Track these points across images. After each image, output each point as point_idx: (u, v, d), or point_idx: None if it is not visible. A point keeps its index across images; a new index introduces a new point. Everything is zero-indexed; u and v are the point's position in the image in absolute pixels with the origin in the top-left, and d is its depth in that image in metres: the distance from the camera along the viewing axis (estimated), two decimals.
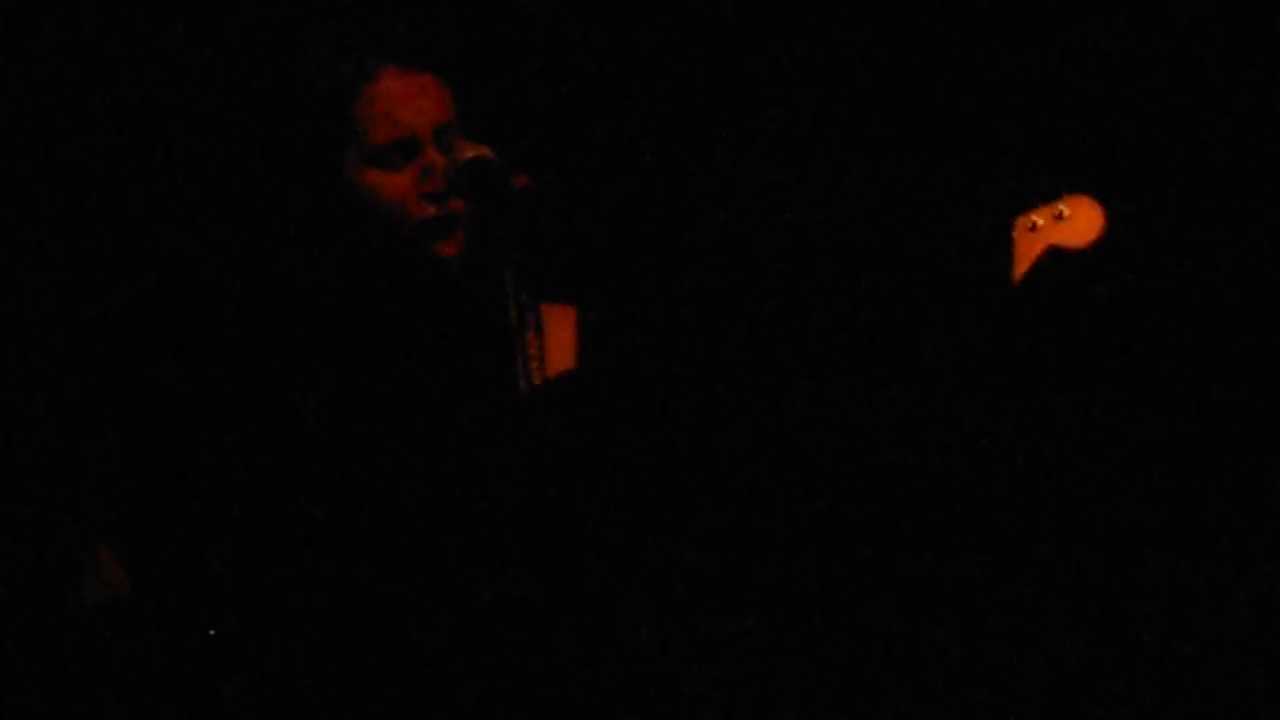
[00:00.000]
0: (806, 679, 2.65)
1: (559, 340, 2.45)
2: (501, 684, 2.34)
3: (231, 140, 2.98)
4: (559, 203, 2.64)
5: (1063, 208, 2.47)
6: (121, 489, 2.52)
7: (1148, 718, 2.86)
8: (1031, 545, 2.98)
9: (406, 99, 2.39)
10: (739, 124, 3.16)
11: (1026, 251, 2.45)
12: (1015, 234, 2.46)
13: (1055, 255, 2.46)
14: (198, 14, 3.09)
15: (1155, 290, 3.02)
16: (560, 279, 2.52)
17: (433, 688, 2.34)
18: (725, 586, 2.55)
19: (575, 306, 2.51)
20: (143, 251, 3.02)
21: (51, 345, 2.99)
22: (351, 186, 2.39)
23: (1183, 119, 3.13)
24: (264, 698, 2.40)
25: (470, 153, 2.32)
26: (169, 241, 2.98)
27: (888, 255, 2.58)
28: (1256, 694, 2.93)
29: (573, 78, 3.15)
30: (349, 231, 2.41)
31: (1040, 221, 2.47)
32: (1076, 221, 2.46)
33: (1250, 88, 3.12)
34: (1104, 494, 3.01)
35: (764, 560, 2.62)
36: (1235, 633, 2.96)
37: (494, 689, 2.34)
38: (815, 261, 2.99)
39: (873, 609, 2.79)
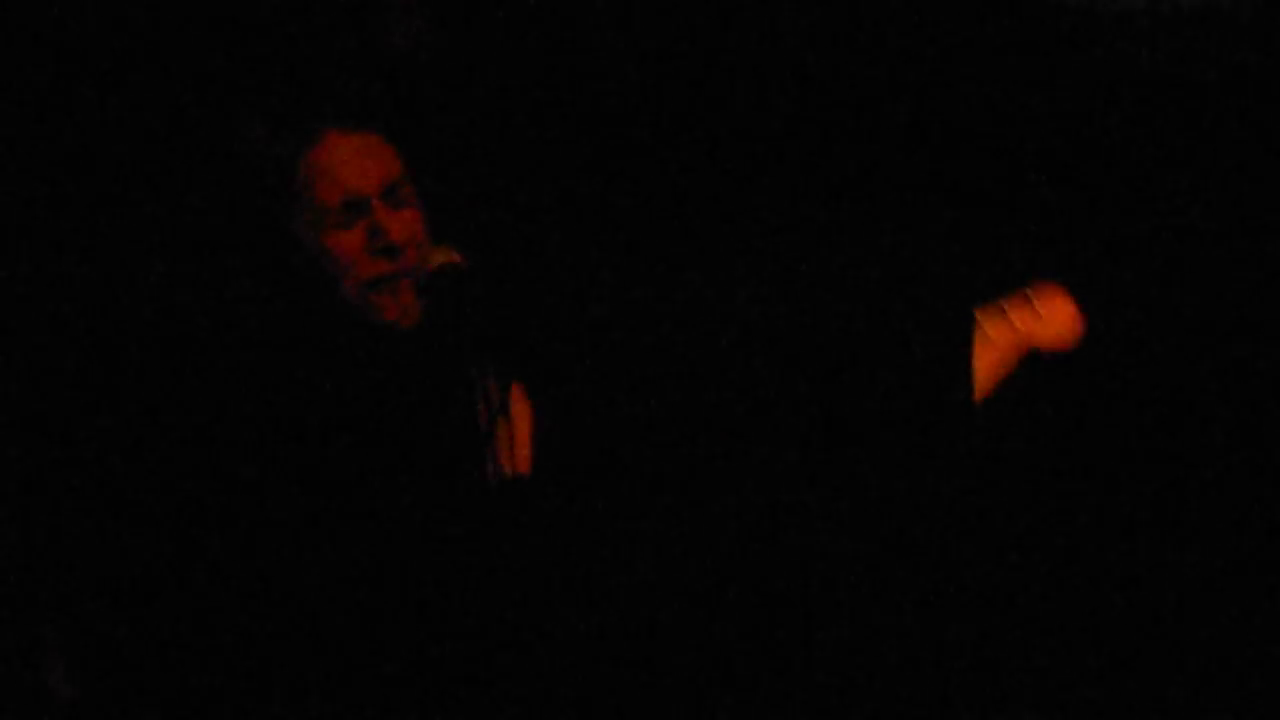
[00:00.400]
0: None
1: (522, 421, 2.45)
2: None
3: (178, 204, 2.98)
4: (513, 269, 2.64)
5: (1032, 299, 2.40)
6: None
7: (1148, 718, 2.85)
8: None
9: (351, 161, 2.39)
10: (691, 206, 3.18)
11: (993, 355, 2.39)
12: (978, 332, 2.39)
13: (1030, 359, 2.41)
14: (143, 75, 3.09)
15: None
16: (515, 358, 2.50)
17: None
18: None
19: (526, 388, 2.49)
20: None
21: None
22: (302, 248, 2.40)
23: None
24: None
25: (439, 258, 2.35)
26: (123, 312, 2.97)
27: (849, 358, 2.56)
28: (1257, 694, 2.94)
29: (516, 130, 3.17)
30: (299, 299, 2.42)
31: (1009, 314, 2.41)
32: (1052, 318, 2.39)
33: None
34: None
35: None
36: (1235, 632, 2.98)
37: None
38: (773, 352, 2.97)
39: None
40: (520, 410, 2.44)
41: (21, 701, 2.93)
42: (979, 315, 2.42)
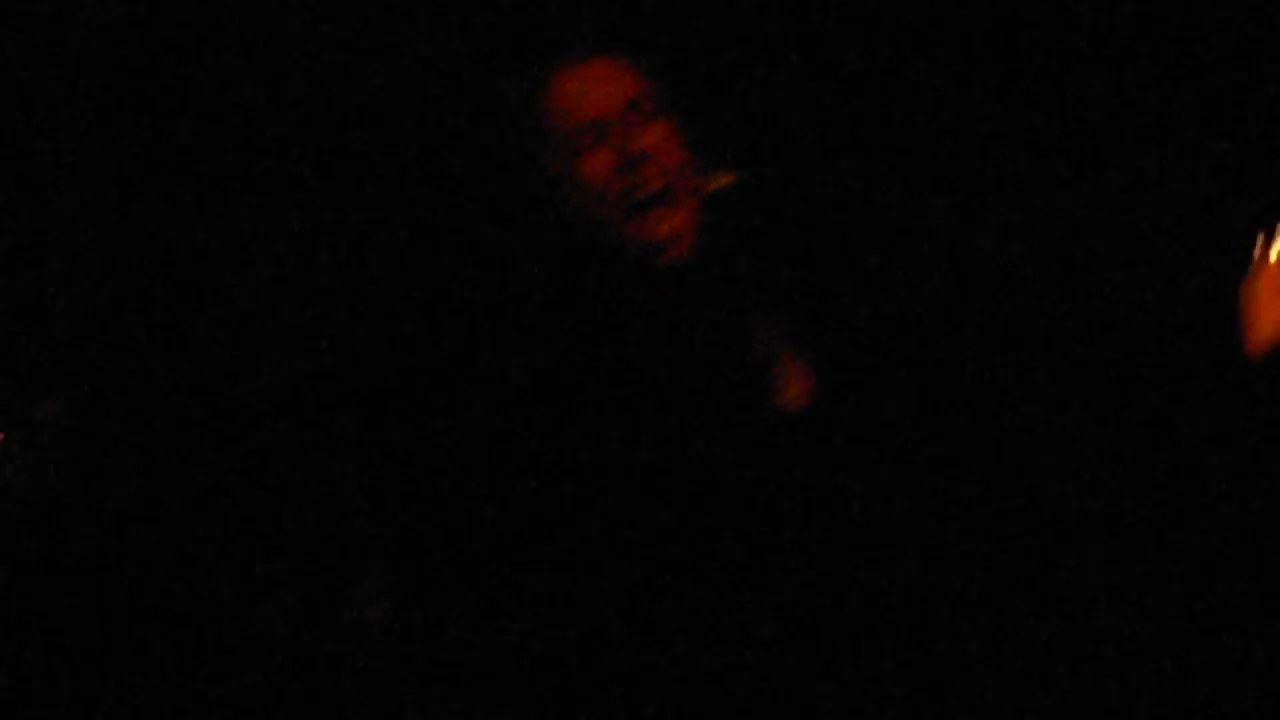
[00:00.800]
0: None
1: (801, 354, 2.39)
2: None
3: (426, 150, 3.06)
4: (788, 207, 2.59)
5: None
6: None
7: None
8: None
9: (589, 86, 2.36)
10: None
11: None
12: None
13: None
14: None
15: None
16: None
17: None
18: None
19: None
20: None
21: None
22: (556, 183, 2.37)
23: None
24: None
25: (715, 182, 2.33)
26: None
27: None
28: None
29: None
30: (554, 230, 2.39)
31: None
32: None
33: None
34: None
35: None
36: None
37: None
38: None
39: None
40: (800, 341, 2.38)
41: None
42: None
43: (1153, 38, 3.13)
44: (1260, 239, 2.36)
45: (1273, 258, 2.35)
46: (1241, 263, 2.36)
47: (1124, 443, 2.52)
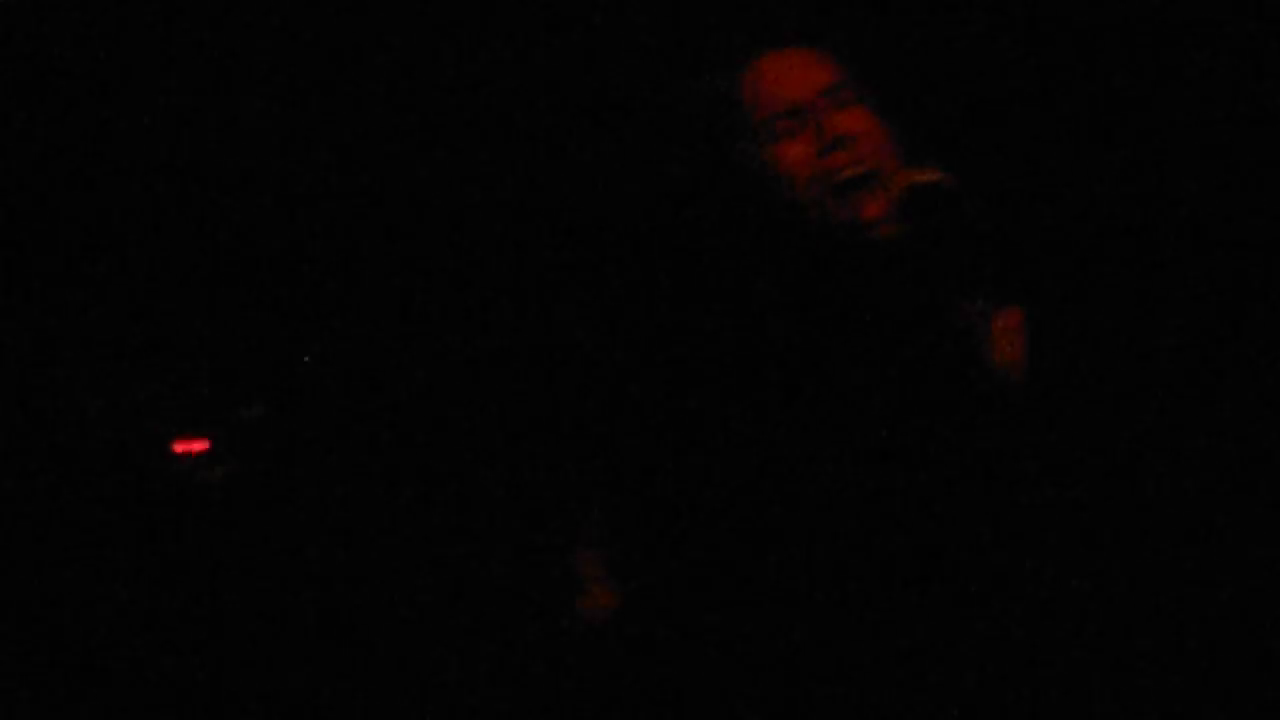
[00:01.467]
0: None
1: (1007, 341, 2.36)
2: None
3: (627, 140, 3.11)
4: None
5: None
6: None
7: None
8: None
9: (787, 72, 2.37)
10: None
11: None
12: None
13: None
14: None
15: None
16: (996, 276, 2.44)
17: None
18: None
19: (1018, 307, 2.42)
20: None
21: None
22: (757, 170, 2.37)
23: None
24: None
25: (919, 177, 2.29)
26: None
27: None
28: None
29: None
30: (767, 214, 2.39)
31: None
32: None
33: None
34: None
35: None
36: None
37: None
38: None
39: None
40: (1010, 324, 2.36)
41: None
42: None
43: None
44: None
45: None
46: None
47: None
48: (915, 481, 2.25)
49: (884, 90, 2.39)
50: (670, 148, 2.55)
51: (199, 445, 3.30)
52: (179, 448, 3.28)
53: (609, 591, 2.44)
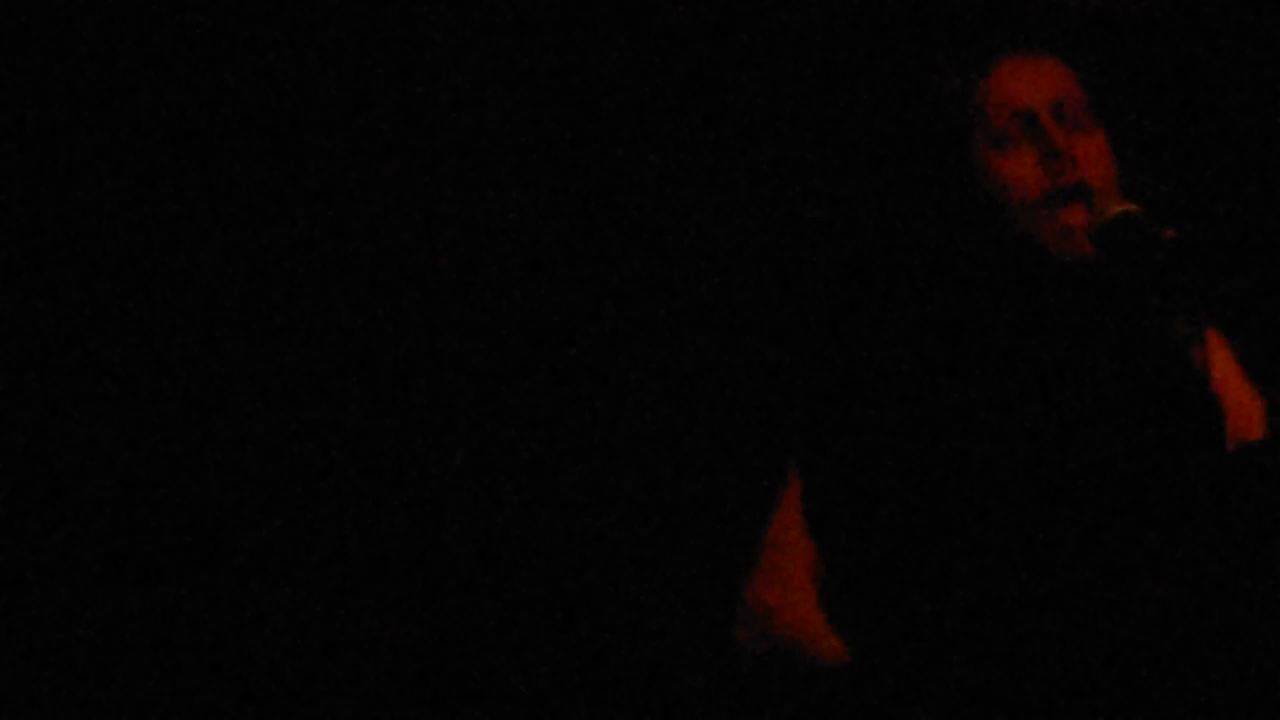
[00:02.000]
0: None
1: (1222, 364, 2.39)
2: None
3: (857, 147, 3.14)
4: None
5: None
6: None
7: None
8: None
9: (1021, 79, 2.38)
10: None
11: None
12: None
13: None
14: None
15: None
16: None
17: None
18: None
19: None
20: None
21: None
22: (976, 176, 2.36)
23: None
24: None
25: (1116, 209, 2.28)
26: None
27: None
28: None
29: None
30: (979, 222, 2.38)
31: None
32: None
33: None
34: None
35: None
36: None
37: None
38: None
39: None
40: (1227, 368, 2.39)
41: None
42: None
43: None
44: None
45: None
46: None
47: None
48: (1123, 502, 2.22)
49: (1118, 115, 2.41)
50: (896, 147, 2.52)
51: None
52: None
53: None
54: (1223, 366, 2.39)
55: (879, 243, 2.57)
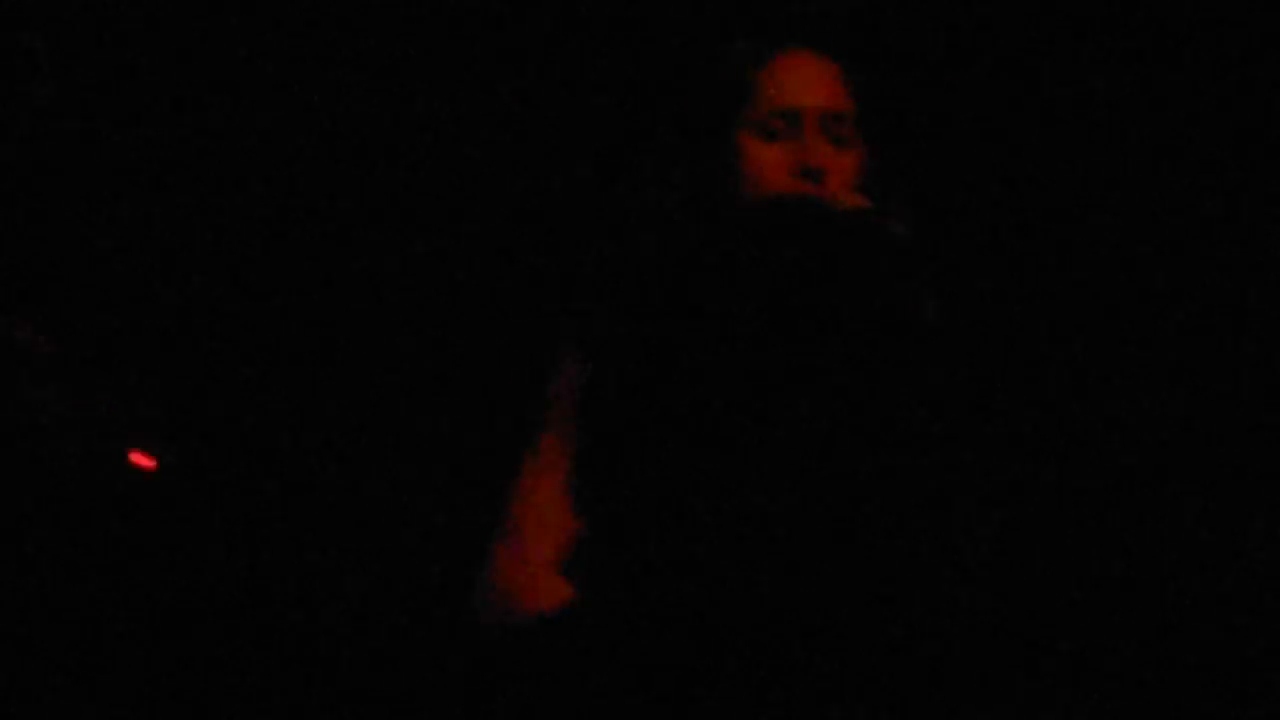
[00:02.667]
0: None
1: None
2: None
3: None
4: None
5: None
6: None
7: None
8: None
9: (797, 78, 2.43)
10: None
11: None
12: None
13: None
14: None
15: None
16: None
17: None
18: None
19: None
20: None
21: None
22: (734, 152, 2.43)
23: None
24: None
25: (850, 202, 2.35)
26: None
27: None
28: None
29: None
30: (732, 193, 2.45)
31: None
32: None
33: None
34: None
35: None
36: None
37: None
38: None
39: None
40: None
41: None
42: None
43: None
44: None
45: None
46: None
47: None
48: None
49: (880, 126, 2.45)
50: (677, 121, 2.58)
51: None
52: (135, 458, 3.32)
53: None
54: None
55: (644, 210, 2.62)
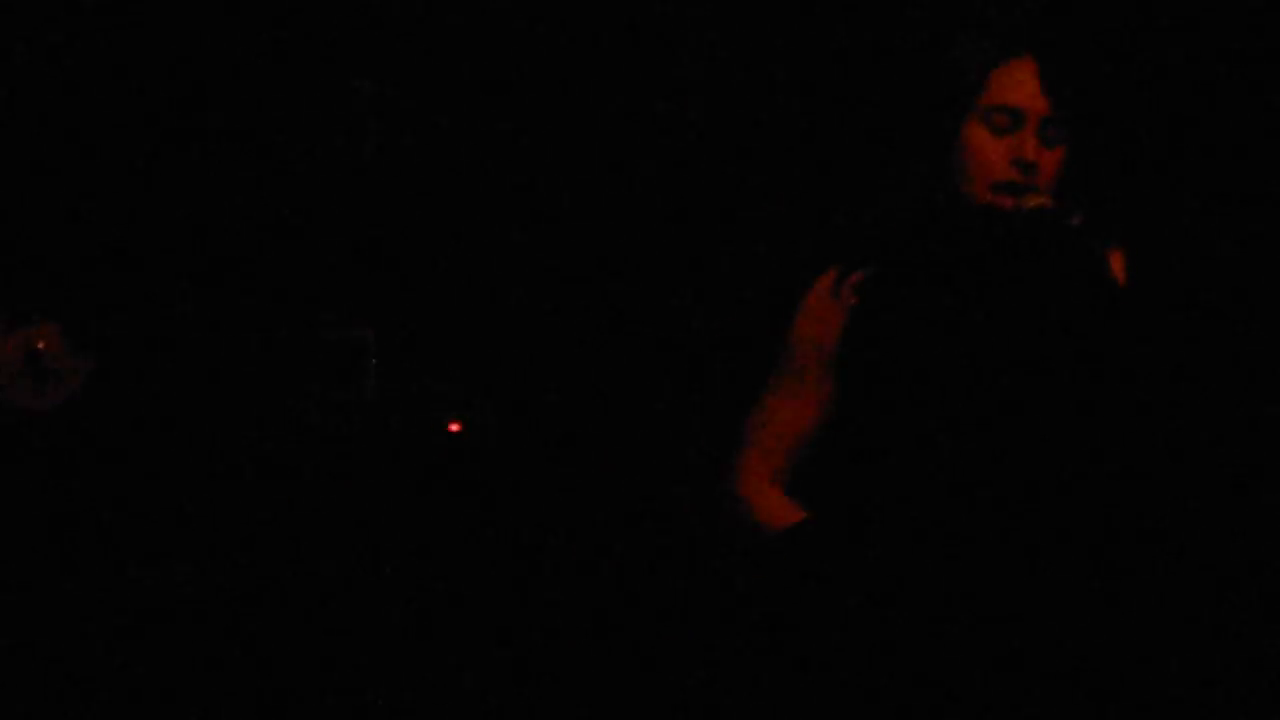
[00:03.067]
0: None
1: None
2: None
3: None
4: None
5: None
6: None
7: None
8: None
9: (1026, 82, 2.74)
10: None
11: None
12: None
13: None
14: None
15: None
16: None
17: None
18: None
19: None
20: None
21: None
22: (960, 147, 2.76)
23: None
24: None
25: (1033, 202, 2.70)
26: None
27: None
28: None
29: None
30: (949, 178, 2.78)
31: None
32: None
33: None
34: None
35: None
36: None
37: None
38: None
39: None
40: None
41: None
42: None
43: None
44: None
45: None
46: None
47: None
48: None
49: (1084, 128, 2.76)
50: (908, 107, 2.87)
51: None
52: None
53: None
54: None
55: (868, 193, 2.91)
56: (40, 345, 3.01)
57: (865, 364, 2.75)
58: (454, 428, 3.63)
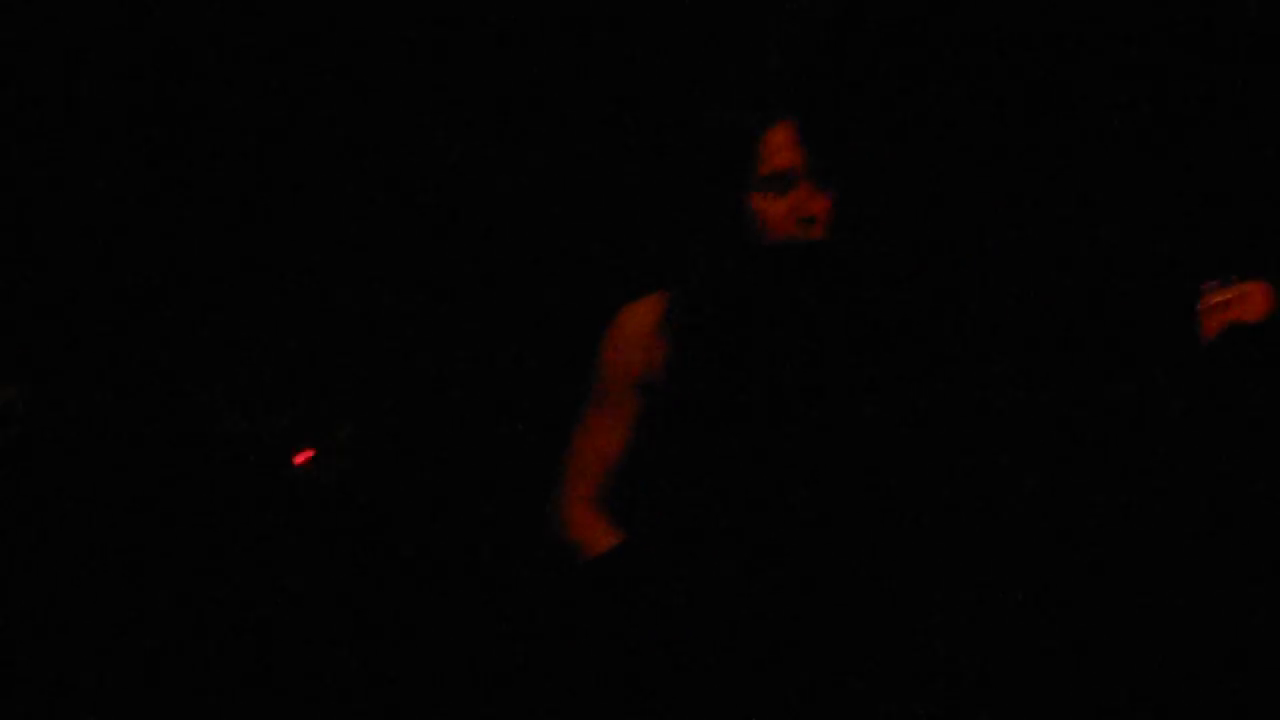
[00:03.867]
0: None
1: None
2: None
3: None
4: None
5: (1239, 287, 2.82)
6: None
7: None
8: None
9: (788, 144, 2.91)
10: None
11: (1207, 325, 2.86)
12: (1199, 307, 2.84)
13: (1233, 329, 2.81)
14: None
15: None
16: None
17: None
18: None
19: None
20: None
21: None
22: (746, 206, 2.91)
23: None
24: None
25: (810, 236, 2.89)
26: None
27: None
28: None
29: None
30: (746, 244, 2.92)
31: (1220, 299, 2.84)
32: (1252, 299, 2.82)
33: None
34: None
35: None
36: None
37: None
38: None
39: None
40: None
41: None
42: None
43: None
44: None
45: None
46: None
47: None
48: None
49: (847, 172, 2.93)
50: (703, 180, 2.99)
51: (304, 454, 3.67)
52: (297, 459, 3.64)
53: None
54: None
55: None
56: None
57: (691, 387, 2.88)
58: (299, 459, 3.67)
